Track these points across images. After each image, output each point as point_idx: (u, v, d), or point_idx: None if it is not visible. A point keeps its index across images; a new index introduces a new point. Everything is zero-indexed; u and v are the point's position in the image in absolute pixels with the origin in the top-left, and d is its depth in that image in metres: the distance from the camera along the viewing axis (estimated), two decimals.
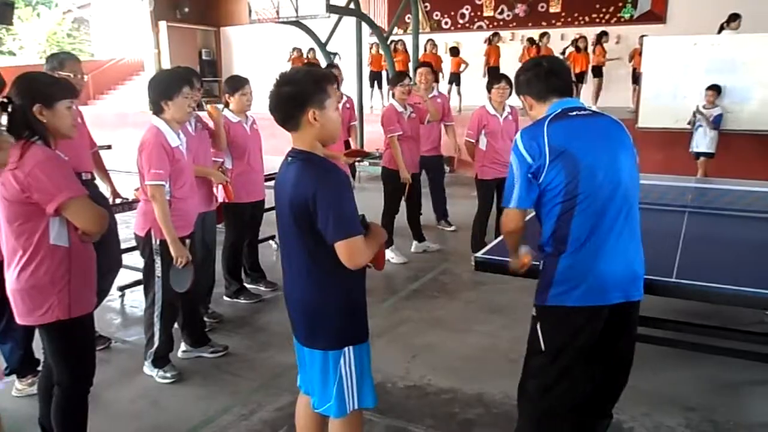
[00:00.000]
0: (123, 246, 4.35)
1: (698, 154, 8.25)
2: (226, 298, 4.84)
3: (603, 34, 12.26)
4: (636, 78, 11.61)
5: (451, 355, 3.88)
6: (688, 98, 8.47)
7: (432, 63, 7.15)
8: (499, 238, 3.45)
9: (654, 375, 3.55)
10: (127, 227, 4.77)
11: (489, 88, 5.56)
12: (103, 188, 4.26)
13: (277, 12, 8.71)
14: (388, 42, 11.31)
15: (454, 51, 13.26)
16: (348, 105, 6.50)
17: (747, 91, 8.50)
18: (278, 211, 2.21)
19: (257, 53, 17.50)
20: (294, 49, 14.77)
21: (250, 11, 9.28)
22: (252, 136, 4.64)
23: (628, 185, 2.24)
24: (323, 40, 10.81)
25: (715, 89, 8.23)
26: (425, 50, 12.71)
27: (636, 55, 11.63)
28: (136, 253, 3.77)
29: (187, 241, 3.50)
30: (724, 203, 4.34)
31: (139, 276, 4.22)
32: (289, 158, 2.17)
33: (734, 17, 9.30)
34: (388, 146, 5.63)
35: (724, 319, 4.23)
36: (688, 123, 8.31)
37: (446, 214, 7.07)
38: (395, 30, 12.29)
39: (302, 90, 2.07)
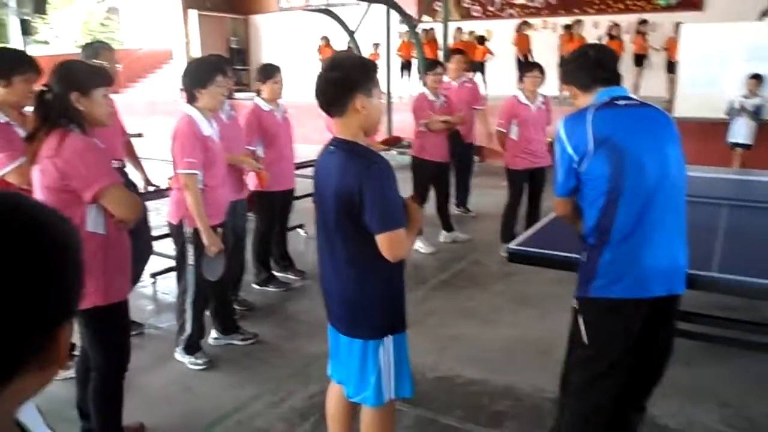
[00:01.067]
0: (155, 233, 4.40)
1: (735, 145, 8.06)
2: (255, 286, 4.87)
3: (643, 22, 11.99)
4: (671, 67, 11.36)
5: (480, 347, 3.85)
6: (727, 88, 8.27)
7: (464, 50, 7.11)
8: (532, 230, 3.40)
9: (688, 370, 3.48)
10: (158, 214, 4.84)
11: (521, 77, 5.49)
12: (135, 176, 4.31)
13: (307, 0, 8.69)
14: (420, 30, 11.23)
15: (481, 40, 13.14)
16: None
17: None
18: (319, 200, 2.21)
19: (286, 42, 17.50)
20: (323, 37, 14.78)
21: None
22: (283, 125, 4.64)
23: (676, 177, 2.21)
24: (352, 29, 10.77)
25: (758, 78, 8.02)
26: (454, 38, 12.62)
27: (671, 43, 11.37)
28: (168, 240, 3.81)
29: (219, 229, 3.52)
30: (764, 196, 4.23)
31: (171, 263, 4.27)
32: (332, 147, 2.16)
33: None
34: (419, 135, 5.59)
35: (761, 313, 4.13)
36: (726, 113, 8.12)
37: (465, 202, 7.08)
38: (424, 18, 12.20)
39: (351, 76, 2.08)
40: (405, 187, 5.80)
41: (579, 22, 12.37)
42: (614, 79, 2.33)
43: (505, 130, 5.48)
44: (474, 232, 6.36)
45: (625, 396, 2.43)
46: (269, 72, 4.54)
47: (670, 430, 2.99)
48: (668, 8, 13.27)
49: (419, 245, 5.66)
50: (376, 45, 13.61)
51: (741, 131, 7.96)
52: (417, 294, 4.72)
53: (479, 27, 14.32)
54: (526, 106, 5.40)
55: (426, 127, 5.51)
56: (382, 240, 2.03)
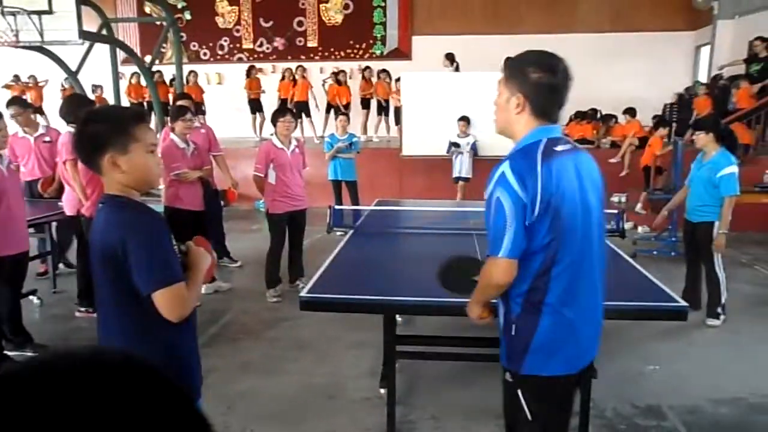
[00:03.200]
0: None
1: (458, 179, 9.14)
2: None
3: (366, 69, 12.98)
4: (381, 109, 12.51)
5: (269, 401, 3.72)
6: (444, 128, 9.33)
7: (193, 95, 6.94)
8: (317, 276, 3.38)
9: (464, 389, 3.80)
10: None
11: (274, 122, 5.50)
12: None
13: (17, 35, 7.65)
14: (145, 72, 10.63)
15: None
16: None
17: (487, 122, 9.63)
18: (91, 262, 2.00)
19: None
20: (14, 76, 13.28)
21: None
22: (9, 178, 4.02)
23: (598, 234, 2.00)
24: (72, 68, 9.78)
25: (465, 120, 9.22)
26: (188, 82, 12.27)
27: (379, 87, 12.49)
28: None
29: None
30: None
31: None
32: (100, 204, 2.00)
33: (451, 56, 10.73)
34: (171, 184, 5.27)
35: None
36: (447, 152, 9.18)
37: (227, 251, 6.82)
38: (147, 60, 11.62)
39: (99, 133, 1.88)
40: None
41: (300, 67, 12.84)
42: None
43: (262, 175, 5.44)
44: (235, 280, 6.17)
45: None
46: None
47: None
48: (383, 57, 14.66)
49: None
50: (97, 87, 12.58)
51: (463, 167, 9.08)
52: None
53: (210, 70, 14.12)
54: (282, 151, 5.44)
55: (177, 178, 5.25)
56: (157, 298, 1.83)
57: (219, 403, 3.62)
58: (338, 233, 5.18)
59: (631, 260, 3.67)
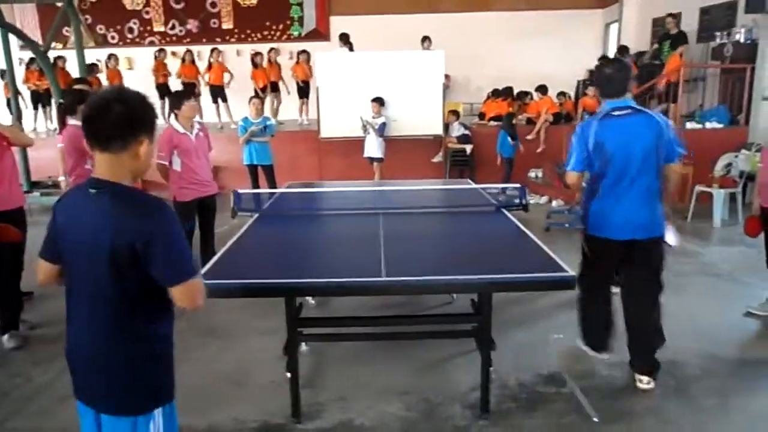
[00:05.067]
0: None
1: (371, 159, 9.15)
2: None
3: (270, 50, 12.62)
4: (301, 91, 12.27)
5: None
6: (360, 109, 9.29)
7: (116, 81, 6.59)
8: (212, 262, 3.28)
9: (369, 369, 3.82)
10: None
11: (178, 105, 5.26)
12: None
13: None
14: (41, 57, 10.00)
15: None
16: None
17: (405, 102, 9.69)
18: (72, 257, 1.88)
19: None
20: None
21: None
22: None
23: (638, 163, 3.37)
24: None
25: (378, 101, 9.22)
26: (107, 66, 11.71)
27: (296, 68, 12.27)
28: None
29: None
30: (407, 202, 4.86)
31: None
32: (93, 189, 1.81)
33: (344, 37, 10.81)
34: (83, 173, 5.00)
35: (415, 305, 4.74)
36: (363, 131, 9.16)
37: None
38: (54, 44, 10.95)
39: (141, 115, 1.85)
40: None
41: (216, 50, 12.40)
42: (619, 92, 3.44)
43: (166, 163, 5.23)
44: None
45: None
46: None
47: (367, 428, 3.23)
48: (301, 38, 14.43)
49: None
50: (3, 73, 11.68)
51: (372, 147, 9.10)
52: None
53: (120, 55, 13.48)
54: (185, 135, 5.23)
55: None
56: (181, 291, 1.83)
57: None
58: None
59: (527, 232, 3.72)
